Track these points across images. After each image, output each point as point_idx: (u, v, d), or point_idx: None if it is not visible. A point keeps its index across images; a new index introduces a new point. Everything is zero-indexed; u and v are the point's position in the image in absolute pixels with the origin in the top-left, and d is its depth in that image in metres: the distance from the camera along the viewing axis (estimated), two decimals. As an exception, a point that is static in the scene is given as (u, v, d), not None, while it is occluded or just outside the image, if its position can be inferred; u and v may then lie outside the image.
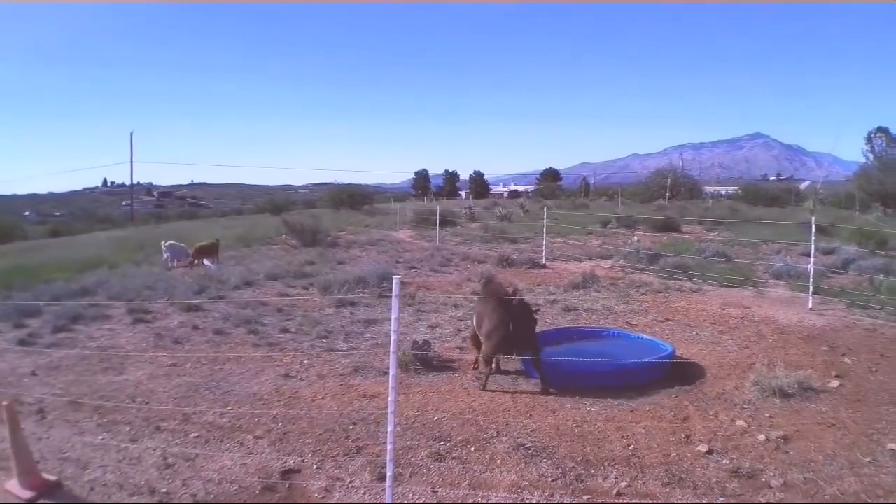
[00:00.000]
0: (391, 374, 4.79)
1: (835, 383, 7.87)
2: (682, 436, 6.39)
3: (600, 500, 5.17)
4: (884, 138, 55.60)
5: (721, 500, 5.15)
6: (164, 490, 5.39)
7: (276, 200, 67.44)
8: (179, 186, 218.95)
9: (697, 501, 5.12)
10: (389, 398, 4.79)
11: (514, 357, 8.23)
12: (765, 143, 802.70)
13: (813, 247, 13.45)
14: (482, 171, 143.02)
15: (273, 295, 13.97)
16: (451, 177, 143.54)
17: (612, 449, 6.11)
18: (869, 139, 56.30)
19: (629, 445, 6.18)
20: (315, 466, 5.82)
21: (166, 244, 20.02)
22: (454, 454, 6.03)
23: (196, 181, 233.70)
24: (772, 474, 5.52)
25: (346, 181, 60.50)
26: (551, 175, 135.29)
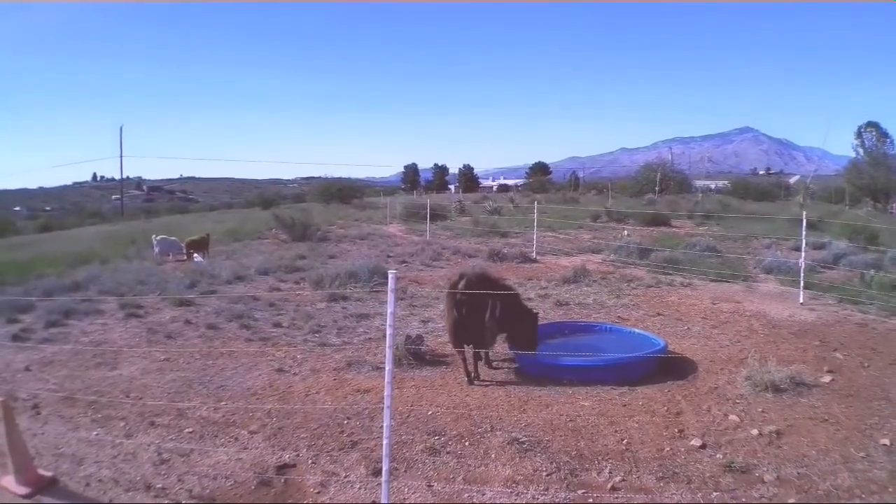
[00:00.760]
0: (387, 368, 4.77)
1: (827, 378, 7.89)
2: (676, 430, 6.41)
3: (595, 495, 5.18)
4: (874, 133, 55.97)
5: (715, 494, 5.17)
6: (159, 486, 5.38)
7: (266, 195, 67.45)
8: (169, 181, 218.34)
9: (692, 496, 5.14)
10: (385, 393, 4.78)
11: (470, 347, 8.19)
12: (754, 137, 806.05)
13: (804, 242, 13.51)
14: (472, 165, 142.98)
15: (265, 289, 13.95)
16: (441, 171, 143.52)
17: (605, 443, 6.13)
18: (859, 134, 56.69)
19: (623, 440, 6.20)
20: (310, 461, 5.81)
21: (157, 238, 20.01)
22: (449, 448, 6.04)
23: (185, 175, 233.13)
24: (765, 469, 5.54)
25: (336, 175, 60.61)
26: (541, 169, 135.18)
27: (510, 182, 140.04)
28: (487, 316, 8.09)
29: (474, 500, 5.12)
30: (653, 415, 6.85)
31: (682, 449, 6.00)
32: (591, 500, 5.12)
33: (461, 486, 5.30)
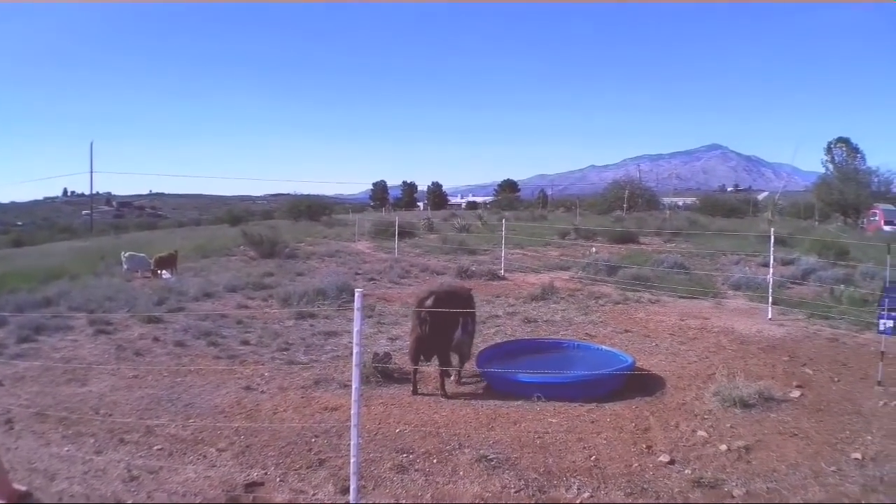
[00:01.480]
0: (354, 387, 4.74)
1: (796, 393, 7.94)
2: (644, 446, 6.43)
3: (563, 512, 5.18)
4: (844, 149, 56.91)
5: (683, 510, 5.19)
6: (130, 502, 5.30)
7: (235, 211, 67.16)
8: (138, 196, 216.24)
9: (659, 511, 5.16)
10: (353, 411, 4.75)
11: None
12: (722, 154, 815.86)
13: (772, 258, 13.67)
14: (440, 182, 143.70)
15: (232, 307, 13.84)
16: (409, 188, 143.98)
17: (574, 460, 6.12)
18: (829, 149, 57.59)
19: (591, 456, 6.20)
20: (278, 479, 5.74)
21: (126, 255, 19.84)
22: (417, 466, 5.99)
23: (154, 191, 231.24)
24: (734, 484, 5.55)
25: (305, 192, 60.57)
26: (509, 186, 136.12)
27: (479, 199, 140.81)
28: (458, 332, 8.12)
29: (443, 519, 5.10)
30: (621, 431, 6.86)
31: (651, 465, 6.00)
32: (559, 517, 5.11)
33: (430, 504, 5.27)
